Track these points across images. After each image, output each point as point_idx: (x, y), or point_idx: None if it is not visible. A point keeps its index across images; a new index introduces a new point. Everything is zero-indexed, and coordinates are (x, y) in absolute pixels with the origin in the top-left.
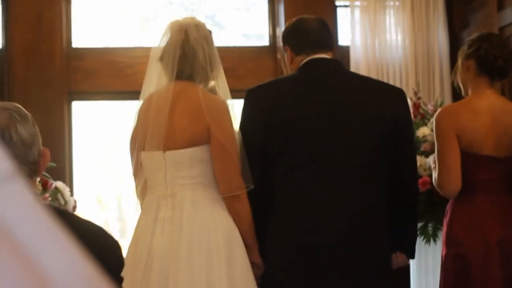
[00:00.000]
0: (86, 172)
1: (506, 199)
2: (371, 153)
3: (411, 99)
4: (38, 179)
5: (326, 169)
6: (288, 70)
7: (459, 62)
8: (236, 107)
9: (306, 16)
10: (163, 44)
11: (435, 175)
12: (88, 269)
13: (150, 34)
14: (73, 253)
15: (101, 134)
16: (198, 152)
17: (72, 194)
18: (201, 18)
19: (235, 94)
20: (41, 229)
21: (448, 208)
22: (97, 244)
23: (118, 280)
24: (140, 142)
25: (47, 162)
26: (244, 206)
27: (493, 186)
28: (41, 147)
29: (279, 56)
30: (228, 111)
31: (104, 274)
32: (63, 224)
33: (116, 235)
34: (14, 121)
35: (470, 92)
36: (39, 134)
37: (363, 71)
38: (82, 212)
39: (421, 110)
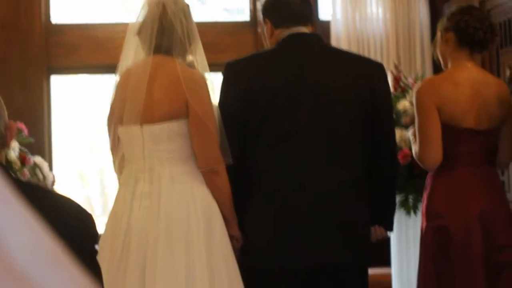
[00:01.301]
0: (67, 147)
1: (487, 172)
2: (350, 126)
3: (391, 72)
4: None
5: (305, 143)
6: (268, 43)
7: (438, 34)
8: (216, 82)
9: None
10: (141, 18)
11: (415, 148)
12: (52, 246)
13: (130, 9)
14: (37, 231)
15: (81, 109)
16: (176, 126)
17: (51, 169)
18: None
19: (215, 69)
20: (4, 207)
21: (428, 181)
22: (70, 217)
23: (93, 252)
24: (117, 117)
25: (14, 135)
26: (223, 180)
27: (473, 158)
28: (7, 119)
29: (259, 30)
30: (207, 85)
31: (77, 247)
32: (34, 199)
33: (98, 210)
34: None
35: (449, 64)
36: (4, 107)
37: (344, 45)
38: (63, 187)
39: (401, 83)
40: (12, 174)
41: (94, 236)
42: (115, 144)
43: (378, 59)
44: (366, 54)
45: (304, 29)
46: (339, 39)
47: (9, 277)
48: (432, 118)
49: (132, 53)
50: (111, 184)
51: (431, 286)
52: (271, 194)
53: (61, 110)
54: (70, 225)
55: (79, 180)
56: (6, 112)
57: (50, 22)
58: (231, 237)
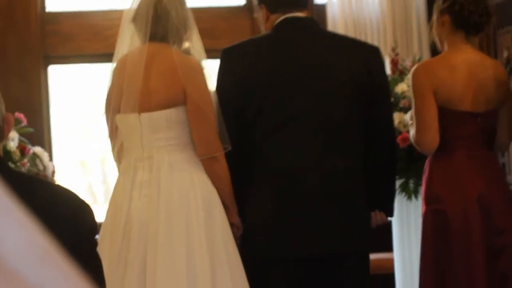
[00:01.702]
0: (67, 137)
1: (485, 155)
2: (348, 110)
3: (389, 55)
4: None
5: (302, 129)
6: (263, 28)
7: (434, 17)
8: (212, 68)
9: None
10: (135, 5)
11: (412, 131)
12: (45, 243)
13: None
14: (29, 228)
15: (81, 97)
16: (174, 113)
17: (51, 159)
18: None
19: (211, 55)
20: None
21: (427, 165)
22: (68, 209)
23: (92, 244)
24: (114, 105)
25: (11, 127)
26: (222, 167)
27: (471, 142)
28: (4, 112)
29: (255, 15)
30: (203, 72)
31: (76, 239)
32: (30, 192)
33: (100, 198)
34: None
35: (446, 47)
36: (2, 100)
37: (340, 28)
38: (64, 176)
39: (399, 66)
40: (12, 164)
41: (93, 228)
42: (113, 133)
43: (375, 42)
44: (362, 37)
45: (300, 14)
46: (335, 22)
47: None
48: (428, 101)
49: (128, 41)
50: (113, 172)
51: (431, 270)
52: (270, 181)
53: (59, 99)
54: (68, 218)
55: (81, 168)
56: (3, 105)
57: (45, 10)
58: (231, 225)
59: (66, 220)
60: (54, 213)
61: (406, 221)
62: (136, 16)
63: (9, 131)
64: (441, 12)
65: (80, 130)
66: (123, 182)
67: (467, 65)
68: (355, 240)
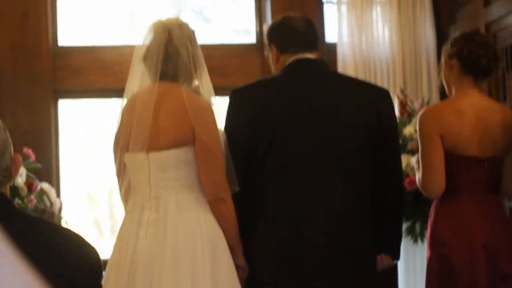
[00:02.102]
0: (75, 170)
1: (491, 200)
2: (356, 152)
3: (398, 97)
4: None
5: (311, 170)
6: (273, 69)
7: (442, 60)
8: (222, 105)
9: (292, 14)
10: (147, 42)
11: (418, 175)
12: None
13: (137, 32)
14: (25, 278)
15: (89, 131)
16: (182, 153)
17: (58, 195)
18: (188, 13)
19: (222, 92)
20: None
21: (432, 209)
22: (73, 249)
23: (96, 283)
24: (123, 143)
25: (18, 167)
26: (229, 208)
27: (477, 187)
28: (13, 152)
29: (266, 53)
30: (213, 112)
31: (80, 279)
32: (34, 234)
33: (107, 232)
34: None
35: (454, 91)
36: (10, 140)
37: (350, 68)
38: (71, 210)
39: (408, 108)
40: (19, 200)
41: (96, 268)
42: (121, 171)
43: (385, 82)
44: (372, 77)
45: (310, 55)
46: (345, 61)
47: None
48: (435, 146)
49: (138, 79)
50: (120, 206)
51: None
52: (276, 224)
53: (68, 133)
54: (72, 258)
55: (88, 201)
56: (12, 146)
57: (56, 44)
58: (237, 267)
59: (69, 260)
60: (58, 253)
61: (412, 265)
62: (147, 55)
63: (16, 172)
64: (450, 56)
65: (88, 163)
66: (129, 221)
67: (475, 110)
68: (362, 283)
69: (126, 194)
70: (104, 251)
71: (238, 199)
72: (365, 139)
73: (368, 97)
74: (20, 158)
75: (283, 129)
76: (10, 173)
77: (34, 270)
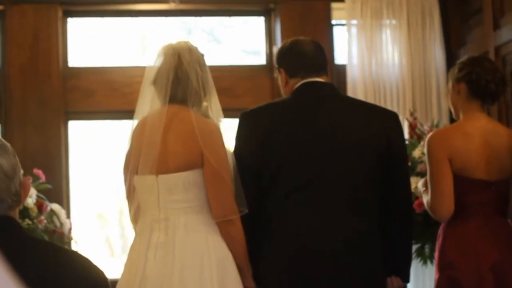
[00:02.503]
0: (86, 190)
1: (498, 222)
2: (365, 176)
3: (407, 119)
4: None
5: (320, 194)
6: (282, 92)
7: (450, 84)
8: (231, 127)
9: (301, 38)
10: (157, 64)
11: (427, 198)
12: None
13: (147, 53)
14: None
15: (99, 152)
16: (191, 176)
17: (69, 215)
18: (198, 34)
19: (232, 113)
20: None
21: (441, 231)
22: (82, 275)
23: None
24: (133, 166)
25: (28, 192)
26: (238, 231)
27: (485, 209)
28: (22, 177)
29: (275, 75)
30: (221, 135)
31: None
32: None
33: (118, 252)
34: None
35: (461, 115)
36: (19, 164)
37: (359, 90)
38: (81, 230)
39: (417, 131)
40: (29, 221)
41: None
42: (131, 193)
43: (394, 104)
44: (382, 99)
45: (319, 79)
46: (355, 83)
47: None
48: (443, 169)
49: (149, 102)
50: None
51: None
52: (285, 245)
53: (78, 153)
54: (79, 281)
55: (99, 220)
56: (21, 170)
57: (67, 65)
58: None
59: (77, 283)
60: (66, 275)
61: (422, 286)
62: (157, 79)
63: (26, 196)
64: (457, 81)
65: (99, 183)
66: (139, 242)
67: (482, 134)
68: None
69: (136, 215)
70: (115, 271)
71: (247, 221)
72: (374, 162)
73: (377, 121)
74: (29, 182)
75: (292, 153)
76: (19, 198)
77: None
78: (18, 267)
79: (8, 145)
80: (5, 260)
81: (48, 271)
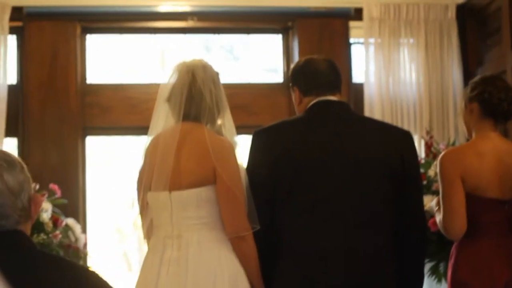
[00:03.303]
0: (104, 205)
1: (511, 241)
2: (378, 196)
3: (423, 138)
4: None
5: (333, 212)
6: (296, 110)
7: (462, 104)
8: (248, 144)
9: (315, 56)
10: (172, 80)
11: (439, 217)
12: None
13: (165, 70)
14: None
15: (117, 167)
16: (204, 192)
17: (84, 230)
18: (217, 51)
19: (249, 131)
20: None
21: (453, 250)
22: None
23: None
24: (146, 182)
25: (38, 208)
26: (250, 247)
27: (498, 228)
28: (32, 192)
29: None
30: (234, 152)
31: None
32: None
33: (136, 266)
34: (0, 169)
35: (474, 134)
36: (29, 180)
37: (376, 108)
38: (99, 245)
39: (433, 149)
40: (44, 236)
41: None
42: (144, 210)
43: (411, 123)
44: (398, 118)
45: (333, 98)
46: (372, 101)
47: None
48: (456, 188)
49: (163, 119)
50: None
51: None
52: (297, 264)
53: (95, 169)
54: None
55: (117, 235)
56: (31, 185)
57: (85, 82)
58: None
59: None
60: None
61: None
62: (171, 96)
63: (36, 212)
64: (470, 100)
65: (117, 198)
66: (152, 258)
67: (495, 153)
68: None
69: (149, 232)
70: (132, 286)
71: (260, 238)
72: (387, 181)
73: (390, 140)
74: (40, 198)
75: (305, 171)
76: (28, 213)
77: None
78: (26, 282)
79: (18, 160)
80: (11, 274)
81: (57, 286)
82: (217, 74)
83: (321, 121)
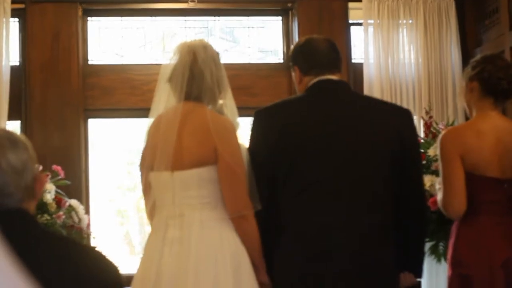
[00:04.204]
0: (106, 187)
1: (511, 220)
2: (378, 173)
3: (422, 118)
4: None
5: (333, 191)
6: (296, 89)
7: (463, 83)
8: (249, 125)
9: (315, 36)
10: (173, 61)
11: (440, 196)
12: None
13: (166, 52)
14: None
15: (119, 149)
16: (205, 172)
17: (87, 211)
18: (217, 33)
19: (250, 112)
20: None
21: (453, 229)
22: (94, 269)
23: None
24: (148, 163)
25: (42, 187)
26: (252, 226)
27: (498, 207)
28: (36, 171)
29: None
30: (235, 132)
31: None
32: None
33: (138, 248)
34: (3, 148)
35: (474, 113)
36: (33, 158)
37: (376, 88)
38: (100, 227)
39: (432, 129)
40: (47, 216)
41: (117, 286)
42: (147, 190)
43: (410, 103)
44: (397, 98)
45: (332, 77)
46: (371, 82)
47: None
48: (455, 167)
49: (164, 99)
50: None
51: None
52: (299, 240)
53: (97, 151)
54: (94, 276)
55: (118, 217)
56: (35, 164)
57: (87, 63)
58: (260, 284)
59: (88, 276)
60: (77, 269)
61: (435, 284)
62: (172, 76)
63: (40, 191)
64: (470, 79)
65: (119, 180)
66: (154, 238)
67: (495, 132)
68: None
69: (152, 211)
70: (134, 268)
71: (261, 217)
72: (387, 159)
73: (390, 118)
74: (44, 178)
75: (305, 150)
76: (32, 192)
77: (51, 286)
78: (29, 259)
79: (22, 139)
80: (14, 252)
81: (61, 264)
82: (218, 54)
83: (321, 101)
